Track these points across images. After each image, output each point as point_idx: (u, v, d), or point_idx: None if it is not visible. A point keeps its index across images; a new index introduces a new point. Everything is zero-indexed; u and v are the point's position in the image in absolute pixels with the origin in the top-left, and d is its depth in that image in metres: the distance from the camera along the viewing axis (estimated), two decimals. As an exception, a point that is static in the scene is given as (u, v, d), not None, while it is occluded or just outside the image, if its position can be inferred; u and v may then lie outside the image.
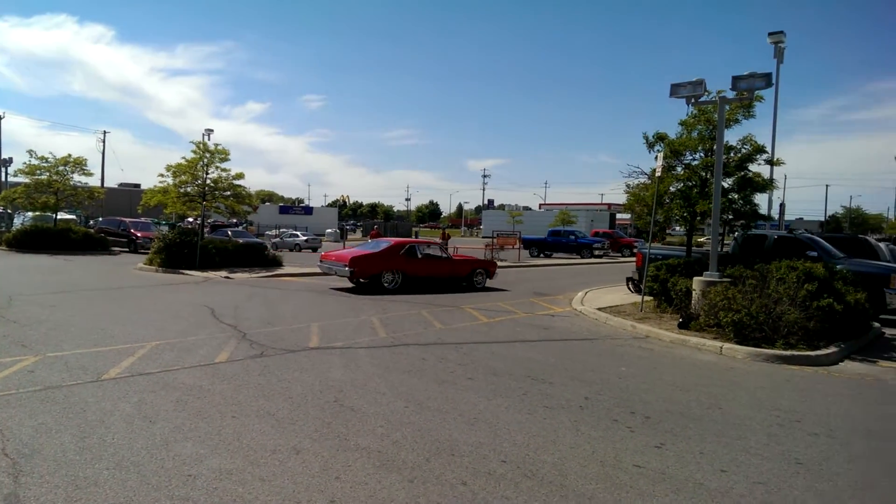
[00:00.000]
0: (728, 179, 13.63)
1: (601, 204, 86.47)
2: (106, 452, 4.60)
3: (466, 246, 35.29)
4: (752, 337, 9.60)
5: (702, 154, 13.88)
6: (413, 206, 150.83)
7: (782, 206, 27.98)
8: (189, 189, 22.74)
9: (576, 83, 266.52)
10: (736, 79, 11.54)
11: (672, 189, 14.39)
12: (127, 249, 30.34)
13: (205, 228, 26.12)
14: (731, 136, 13.69)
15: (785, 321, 9.50)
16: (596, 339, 10.61)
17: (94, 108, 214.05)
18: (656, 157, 13.53)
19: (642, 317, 12.56)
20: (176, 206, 22.72)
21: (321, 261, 17.81)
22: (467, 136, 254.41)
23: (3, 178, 51.62)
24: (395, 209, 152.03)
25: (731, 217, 13.98)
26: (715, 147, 12.31)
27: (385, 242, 18.21)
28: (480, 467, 4.56)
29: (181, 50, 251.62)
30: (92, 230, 32.12)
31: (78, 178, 30.41)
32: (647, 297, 13.83)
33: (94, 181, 36.76)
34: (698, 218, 14.26)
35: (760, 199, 14.95)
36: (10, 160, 51.81)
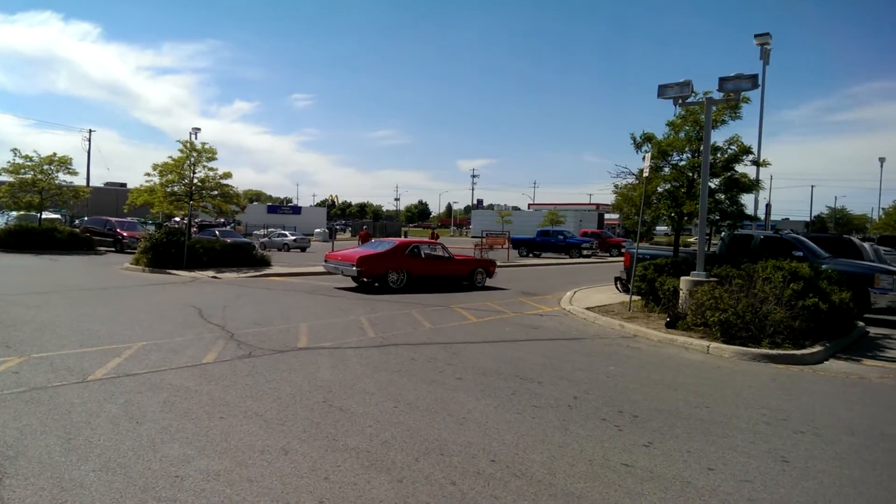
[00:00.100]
0: (715, 180, 13.73)
1: (589, 204, 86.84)
2: (92, 454, 4.55)
3: (456, 246, 35.29)
4: (739, 336, 9.68)
5: (689, 155, 13.98)
6: (402, 206, 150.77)
7: (768, 206, 28.28)
8: (176, 188, 22.60)
9: (564, 84, 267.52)
10: (723, 80, 11.63)
11: (660, 189, 14.48)
12: (113, 249, 30.08)
13: (192, 228, 25.97)
14: (718, 137, 13.81)
15: (771, 320, 9.58)
16: (584, 338, 10.65)
17: (79, 107, 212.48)
18: (644, 158, 13.61)
19: (630, 316, 12.63)
20: (163, 206, 22.56)
21: (326, 260, 18.02)
22: (456, 135, 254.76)
23: (-14, 177, 51.00)
24: (384, 209, 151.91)
25: (717, 217, 14.08)
26: (702, 148, 12.40)
27: (390, 243, 18.47)
28: (469, 467, 4.57)
29: (168, 48, 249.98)
30: (77, 230, 31.82)
31: (63, 177, 30.14)
32: (635, 297, 13.91)
33: (79, 180, 36.32)
34: (685, 218, 14.34)
35: (747, 200, 15.13)
36: (-6, 159, 51.24)
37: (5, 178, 29.76)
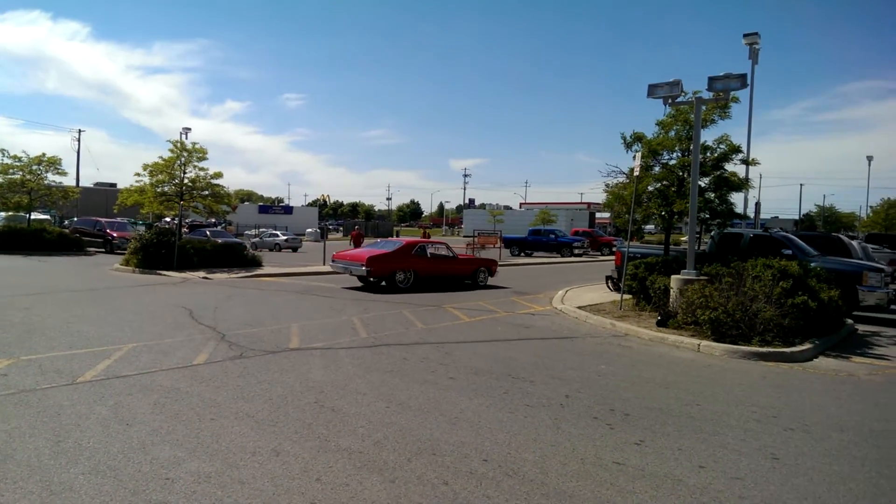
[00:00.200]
0: (705, 179, 13.79)
1: (581, 203, 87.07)
2: (82, 456, 4.52)
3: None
4: (729, 334, 9.73)
5: (679, 154, 14.04)
6: (394, 206, 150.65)
7: (758, 204, 28.47)
8: (166, 188, 22.48)
9: (557, 83, 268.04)
10: (712, 79, 11.68)
11: (650, 188, 14.54)
12: (103, 250, 29.89)
13: (183, 228, 25.83)
14: (708, 136, 13.89)
15: (761, 318, 9.64)
16: (576, 337, 10.68)
17: (69, 107, 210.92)
18: (634, 157, 13.66)
19: (621, 315, 12.67)
20: (153, 206, 22.44)
21: (334, 260, 18.27)
22: (449, 135, 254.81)
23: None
24: (376, 209, 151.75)
25: (707, 216, 14.16)
26: (692, 147, 12.45)
27: (397, 243, 18.70)
28: (462, 467, 4.57)
29: (158, 48, 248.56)
30: (67, 230, 31.61)
31: (52, 178, 29.96)
32: (626, 296, 13.96)
33: (68, 181, 36.05)
34: (676, 217, 14.42)
35: (736, 198, 15.22)
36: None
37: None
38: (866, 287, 13.13)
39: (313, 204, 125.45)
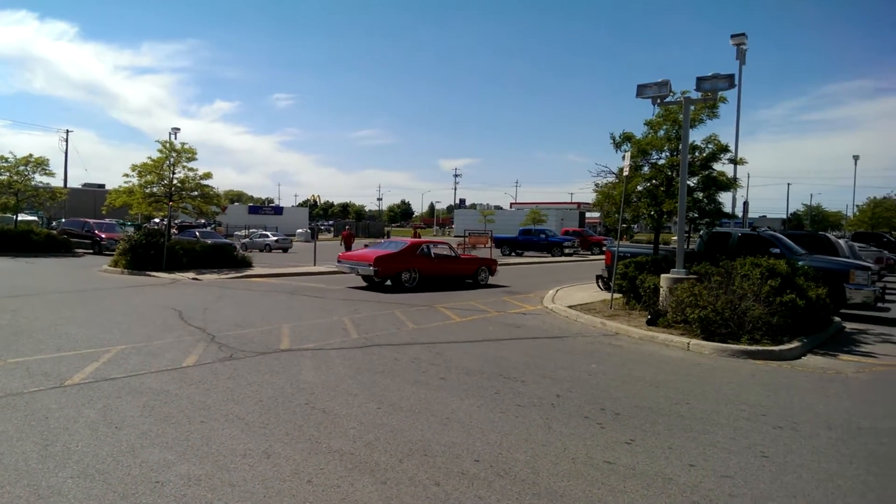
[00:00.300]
0: (693, 178, 13.88)
1: (571, 203, 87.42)
2: (70, 460, 4.49)
3: (438, 245, 35.26)
4: (718, 333, 9.79)
5: (668, 153, 14.12)
6: (385, 206, 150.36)
7: (746, 204, 28.65)
8: (155, 189, 22.35)
9: (548, 83, 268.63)
10: (700, 80, 11.75)
11: (639, 188, 14.61)
12: (91, 251, 29.66)
13: (172, 229, 25.69)
14: (696, 136, 13.98)
15: (750, 317, 9.70)
16: (567, 336, 10.71)
17: (56, 107, 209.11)
18: (623, 157, 13.72)
19: (612, 314, 12.72)
20: (142, 207, 22.31)
21: (340, 260, 18.59)
22: (439, 135, 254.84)
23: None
24: (366, 209, 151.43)
25: (696, 215, 14.25)
26: (680, 147, 12.52)
27: (402, 243, 18.99)
28: (454, 467, 4.57)
29: (146, 48, 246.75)
30: (55, 232, 31.35)
31: (39, 179, 29.72)
32: (616, 295, 14.01)
33: (56, 181, 35.68)
34: (665, 216, 14.49)
35: (725, 198, 15.35)
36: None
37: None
38: (853, 285, 13.25)
39: (304, 204, 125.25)
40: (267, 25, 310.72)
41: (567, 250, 39.03)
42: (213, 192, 23.59)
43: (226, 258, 22.82)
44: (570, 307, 13.70)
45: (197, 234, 29.69)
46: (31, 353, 7.98)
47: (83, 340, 8.89)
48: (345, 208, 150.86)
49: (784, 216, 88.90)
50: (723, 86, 11.69)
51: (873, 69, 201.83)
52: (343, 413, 5.83)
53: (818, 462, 4.95)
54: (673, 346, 9.90)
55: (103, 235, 30.12)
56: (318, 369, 7.59)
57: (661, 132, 14.11)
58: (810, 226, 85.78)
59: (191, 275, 19.52)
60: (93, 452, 4.65)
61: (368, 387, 6.81)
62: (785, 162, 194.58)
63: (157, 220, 41.16)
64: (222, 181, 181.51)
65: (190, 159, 22.63)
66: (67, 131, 62.81)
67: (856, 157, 65.66)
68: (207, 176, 23.11)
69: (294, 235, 53.07)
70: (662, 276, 11.89)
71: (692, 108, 12.79)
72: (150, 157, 22.35)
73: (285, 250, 38.97)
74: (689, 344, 9.73)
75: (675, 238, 12.69)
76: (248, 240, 40.21)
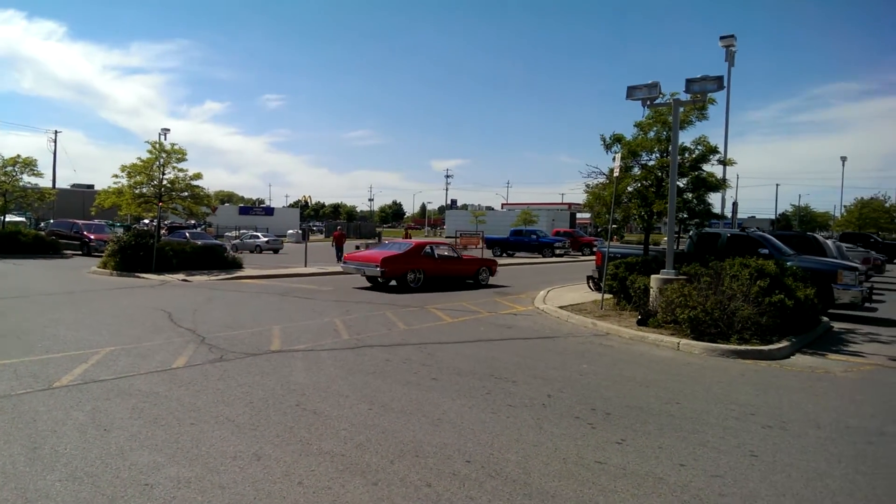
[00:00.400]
0: (683, 179, 13.95)
1: (562, 203, 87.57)
2: (58, 463, 4.45)
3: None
4: (708, 333, 9.84)
5: (658, 155, 14.18)
6: (376, 207, 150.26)
7: (735, 204, 28.82)
8: (145, 190, 22.23)
9: (539, 84, 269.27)
10: (689, 81, 11.82)
11: (630, 189, 14.67)
12: (80, 252, 29.45)
13: (161, 230, 25.55)
14: (686, 138, 14.06)
15: (739, 317, 9.76)
16: (558, 337, 10.73)
17: (45, 107, 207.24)
18: (614, 158, 13.77)
19: (602, 314, 12.76)
20: (131, 208, 22.18)
21: (345, 261, 19.02)
22: (430, 136, 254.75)
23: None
24: (358, 209, 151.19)
25: (686, 216, 14.33)
26: (670, 148, 12.59)
27: (406, 244, 19.34)
28: (445, 468, 4.57)
29: (136, 48, 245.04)
30: (43, 233, 31.09)
31: (28, 179, 29.49)
32: (606, 295, 14.06)
33: (44, 182, 35.36)
34: (655, 217, 14.56)
35: (714, 199, 15.41)
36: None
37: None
38: (841, 285, 13.36)
39: (295, 205, 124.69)
40: (257, 26, 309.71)
41: (558, 251, 39.14)
42: (203, 193, 23.50)
43: (216, 259, 22.70)
44: (561, 308, 13.74)
45: (187, 235, 29.53)
46: (19, 354, 7.91)
47: (72, 342, 8.82)
48: (336, 209, 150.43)
49: (773, 217, 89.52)
50: (712, 87, 11.77)
51: (860, 72, 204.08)
52: (334, 414, 5.81)
53: (807, 461, 4.99)
54: (663, 346, 9.95)
55: (92, 236, 29.91)
56: (309, 371, 7.56)
57: (652, 133, 14.18)
58: (799, 226, 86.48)
59: (181, 276, 19.41)
60: (81, 455, 4.61)
61: (360, 388, 6.80)
62: (774, 163, 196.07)
63: (146, 221, 40.94)
64: (212, 182, 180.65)
65: (180, 160, 22.53)
66: (56, 132, 62.24)
67: (843, 159, 66.28)
68: (197, 177, 23.02)
69: (285, 236, 52.87)
70: (652, 276, 11.94)
71: (682, 109, 12.87)
72: (139, 158, 22.22)
73: (276, 251, 38.85)
74: (679, 344, 9.77)
75: (666, 239, 12.74)
76: (238, 241, 40.05)
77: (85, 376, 6.93)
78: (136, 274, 19.65)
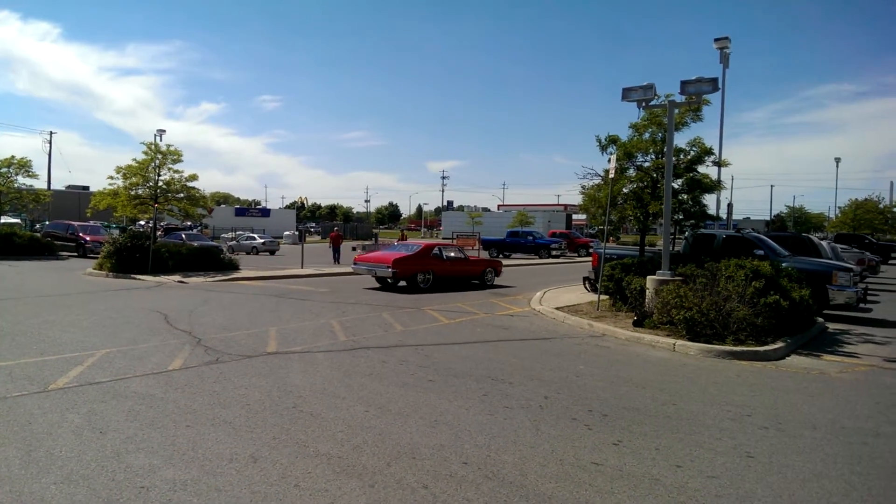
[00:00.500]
0: (678, 181, 13.98)
1: (558, 205, 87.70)
2: (53, 466, 4.43)
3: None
4: (704, 334, 9.86)
5: (653, 156, 14.21)
6: (372, 208, 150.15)
7: (730, 206, 28.86)
8: (140, 191, 22.22)
9: (534, 86, 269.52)
10: (684, 83, 11.84)
11: (625, 190, 14.70)
12: (75, 254, 29.37)
13: (157, 231, 25.48)
14: (681, 139, 14.07)
15: (734, 318, 9.79)
16: (554, 338, 10.74)
17: (40, 108, 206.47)
18: (609, 160, 13.80)
19: (599, 315, 12.78)
20: (126, 209, 22.13)
21: (356, 263, 19.13)
22: (426, 137, 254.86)
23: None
24: (354, 211, 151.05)
25: (681, 217, 14.35)
26: (665, 149, 12.61)
27: (416, 246, 19.60)
28: (442, 470, 4.57)
29: (131, 49, 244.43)
30: (38, 234, 30.97)
31: (22, 181, 29.45)
32: (603, 296, 14.08)
33: (39, 183, 35.41)
34: (651, 218, 14.59)
35: (709, 200, 15.49)
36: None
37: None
38: (836, 286, 13.40)
39: (291, 206, 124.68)
40: (253, 27, 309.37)
41: (554, 252, 39.21)
42: (199, 194, 23.49)
43: (212, 261, 22.66)
44: (557, 309, 13.75)
45: (183, 236, 29.47)
46: (14, 356, 7.88)
47: (67, 344, 8.79)
48: (332, 210, 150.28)
49: (768, 218, 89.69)
50: (706, 89, 11.80)
51: (854, 73, 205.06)
52: (331, 416, 5.81)
53: (803, 462, 5.01)
54: (659, 347, 9.96)
55: (88, 238, 29.81)
56: (305, 372, 7.55)
57: (647, 135, 14.20)
58: (793, 227, 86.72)
59: (177, 278, 19.37)
60: (77, 458, 4.60)
61: (356, 390, 6.80)
62: (768, 164, 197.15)
63: (142, 223, 40.81)
64: (208, 183, 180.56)
65: (176, 161, 22.50)
66: (51, 133, 62.05)
67: (837, 160, 66.42)
68: (193, 178, 22.99)
69: (281, 238, 52.86)
70: (648, 277, 11.97)
71: (677, 111, 12.90)
72: (135, 159, 22.21)
73: (272, 253, 38.82)
74: (674, 345, 9.79)
75: (661, 240, 12.78)
76: (234, 242, 40.03)
77: (80, 378, 6.90)
78: (132, 275, 19.60)
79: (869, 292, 16.43)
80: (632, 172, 14.52)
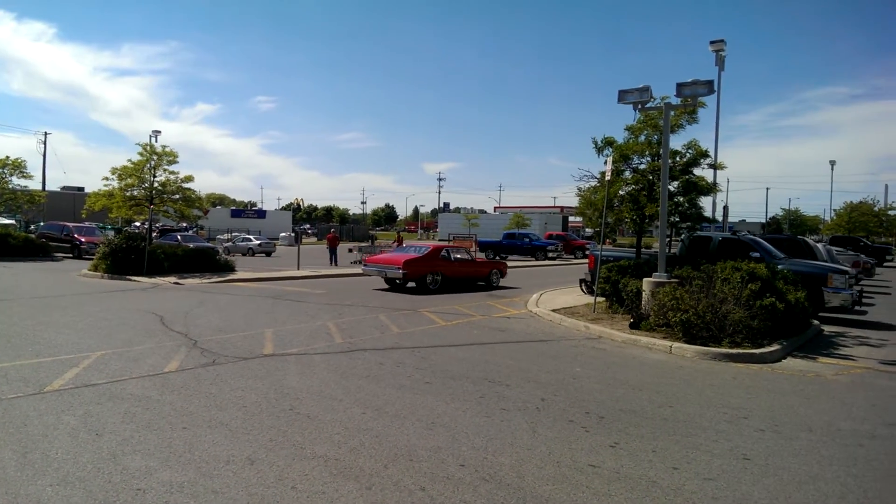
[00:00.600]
0: (674, 183, 14.02)
1: (554, 207, 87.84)
2: (49, 468, 4.42)
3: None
4: (700, 336, 9.88)
5: (649, 158, 14.24)
6: (369, 210, 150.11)
7: (725, 208, 28.88)
8: (136, 192, 22.16)
9: (530, 88, 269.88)
10: (680, 86, 11.88)
11: (622, 192, 14.73)
12: (70, 255, 29.30)
13: (153, 233, 25.41)
14: (677, 141, 14.12)
15: (730, 320, 9.81)
16: (551, 340, 10.75)
17: (35, 109, 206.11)
18: (605, 162, 13.83)
19: (595, 317, 12.79)
20: (122, 211, 22.06)
21: (366, 264, 19.77)
22: (422, 138, 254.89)
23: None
24: (350, 212, 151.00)
25: (677, 219, 14.39)
26: (661, 151, 12.65)
27: (425, 248, 20.06)
28: (439, 472, 4.57)
29: (126, 49, 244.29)
30: (33, 235, 30.86)
31: (17, 182, 29.39)
32: (599, 298, 14.10)
33: (34, 184, 35.32)
34: (647, 220, 14.62)
35: (705, 202, 15.55)
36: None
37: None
38: (831, 289, 13.45)
39: (287, 208, 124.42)
40: (249, 28, 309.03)
41: (551, 254, 39.28)
42: (194, 196, 23.44)
43: (208, 262, 22.62)
44: (553, 311, 13.76)
45: (178, 237, 29.43)
46: (9, 358, 7.85)
47: (62, 346, 8.76)
48: (328, 212, 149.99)
49: (763, 220, 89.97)
50: (702, 91, 11.84)
51: (848, 76, 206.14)
52: (327, 418, 5.80)
53: (799, 464, 5.02)
54: (655, 349, 9.98)
55: (83, 239, 29.72)
56: (302, 374, 7.54)
57: (643, 137, 14.24)
58: (789, 230, 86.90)
59: (172, 279, 19.32)
60: (73, 459, 4.58)
61: (353, 392, 6.79)
62: (763, 167, 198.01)
63: (137, 224, 40.73)
64: (204, 184, 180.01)
65: (171, 162, 22.45)
66: (46, 133, 61.78)
67: (832, 163, 66.89)
68: (189, 179, 22.95)
69: (277, 239, 52.76)
70: (645, 279, 11.99)
71: (672, 113, 12.93)
72: (130, 160, 22.14)
73: (268, 254, 38.77)
74: (671, 347, 9.81)
75: (657, 242, 12.80)
76: (230, 244, 39.93)
77: (76, 380, 6.88)
78: (128, 277, 19.55)
79: (864, 295, 16.52)
80: (628, 175, 14.56)
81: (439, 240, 71.85)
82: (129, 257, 20.27)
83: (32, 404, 5.95)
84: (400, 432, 5.45)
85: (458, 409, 6.26)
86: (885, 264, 36.59)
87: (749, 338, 9.76)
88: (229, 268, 22.88)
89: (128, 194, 21.91)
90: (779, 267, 12.69)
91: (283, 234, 58.46)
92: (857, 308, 14.05)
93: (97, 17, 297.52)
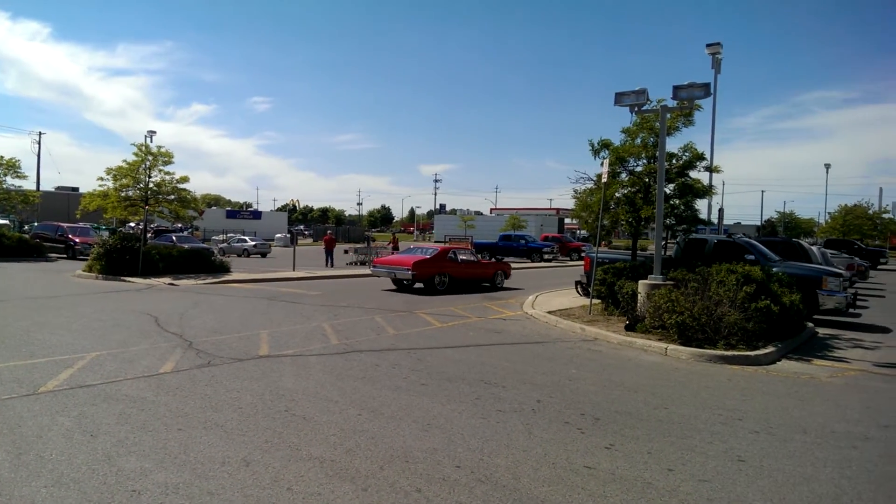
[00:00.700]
0: (670, 185, 14.05)
1: (550, 209, 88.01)
2: (44, 469, 4.40)
3: (418, 250, 35.17)
4: (695, 338, 9.91)
5: (645, 161, 14.28)
6: (365, 211, 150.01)
7: (721, 210, 29.06)
8: (130, 193, 22.09)
9: (527, 90, 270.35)
10: (676, 88, 11.91)
11: (618, 195, 14.76)
12: (65, 256, 29.18)
13: (148, 233, 25.35)
14: (673, 144, 14.15)
15: (725, 322, 9.84)
16: (547, 342, 10.76)
17: (29, 108, 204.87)
18: (602, 164, 13.86)
19: (591, 319, 12.81)
20: (117, 211, 22.00)
21: (374, 265, 20.09)
22: (419, 140, 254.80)
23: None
24: (346, 214, 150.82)
25: (673, 222, 14.42)
26: (657, 154, 12.68)
27: (432, 249, 20.35)
28: (435, 473, 4.57)
29: (121, 49, 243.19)
30: (27, 236, 30.73)
31: (11, 182, 29.25)
32: (595, 300, 14.12)
33: (28, 184, 35.19)
34: (643, 223, 14.65)
35: (700, 205, 15.55)
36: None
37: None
38: (826, 291, 13.50)
39: (282, 209, 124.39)
40: (245, 28, 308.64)
41: (546, 256, 39.30)
42: (189, 196, 23.36)
43: (203, 263, 22.56)
44: (549, 313, 13.78)
45: (173, 238, 29.37)
46: (3, 359, 7.81)
47: (57, 346, 8.73)
48: (324, 213, 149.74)
49: (758, 223, 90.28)
50: (699, 94, 11.88)
51: (842, 80, 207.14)
52: (323, 420, 5.79)
53: (793, 466, 5.04)
54: (651, 351, 10.00)
55: (77, 240, 29.62)
56: (297, 376, 7.53)
57: (639, 140, 14.27)
58: (784, 233, 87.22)
59: (167, 280, 19.28)
60: (67, 461, 4.56)
61: (349, 393, 6.78)
62: (759, 170, 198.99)
63: (132, 225, 40.59)
64: (199, 185, 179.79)
65: (166, 163, 22.40)
66: (40, 133, 61.68)
67: (827, 166, 67.03)
68: (184, 179, 22.90)
69: (273, 240, 52.74)
70: (640, 281, 12.01)
71: (668, 116, 12.98)
72: (125, 160, 22.08)
73: (264, 255, 38.71)
74: (666, 349, 9.83)
75: (653, 244, 12.84)
76: (225, 244, 39.88)
77: (71, 381, 6.85)
78: (122, 278, 19.49)
79: (858, 297, 16.60)
80: (624, 177, 14.60)
81: (435, 241, 71.87)
82: (124, 258, 20.21)
83: (27, 405, 5.92)
84: (396, 434, 5.45)
85: (454, 410, 6.27)
86: (879, 267, 36.76)
87: (744, 340, 9.79)
88: (224, 269, 22.82)
89: (123, 195, 21.85)
90: (774, 269, 12.73)
91: (278, 236, 58.40)
92: (851, 310, 14.11)
93: (92, 16, 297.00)
